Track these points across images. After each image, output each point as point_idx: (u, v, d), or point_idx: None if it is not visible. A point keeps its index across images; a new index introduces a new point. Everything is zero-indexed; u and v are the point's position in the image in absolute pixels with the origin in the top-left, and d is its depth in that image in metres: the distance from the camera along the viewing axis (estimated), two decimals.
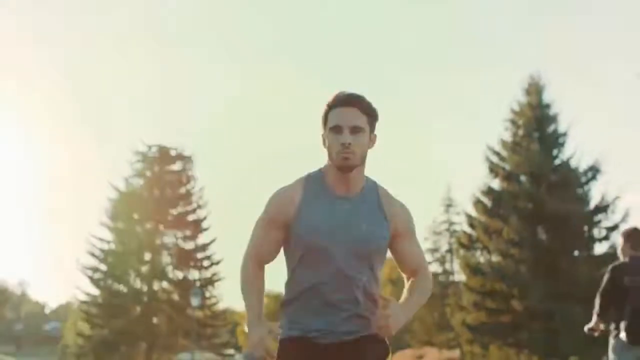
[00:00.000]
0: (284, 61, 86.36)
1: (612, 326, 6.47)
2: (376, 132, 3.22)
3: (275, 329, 3.13)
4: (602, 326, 6.51)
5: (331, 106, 3.15)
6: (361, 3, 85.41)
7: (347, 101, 3.13)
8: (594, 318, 6.57)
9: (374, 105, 3.20)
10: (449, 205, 42.59)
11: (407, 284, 3.33)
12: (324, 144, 3.18)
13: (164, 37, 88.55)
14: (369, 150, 3.20)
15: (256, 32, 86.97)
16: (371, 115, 3.16)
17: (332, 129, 3.11)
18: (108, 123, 79.07)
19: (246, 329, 3.15)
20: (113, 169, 68.29)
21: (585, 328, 6.62)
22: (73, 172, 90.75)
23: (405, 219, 3.24)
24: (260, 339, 3.06)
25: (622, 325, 6.29)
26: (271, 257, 3.26)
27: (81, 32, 79.36)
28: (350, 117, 3.10)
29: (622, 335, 6.30)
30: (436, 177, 72.92)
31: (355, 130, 3.09)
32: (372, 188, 3.22)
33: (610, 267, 6.65)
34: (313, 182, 3.20)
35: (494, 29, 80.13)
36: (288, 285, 3.24)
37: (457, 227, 40.69)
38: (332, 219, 3.11)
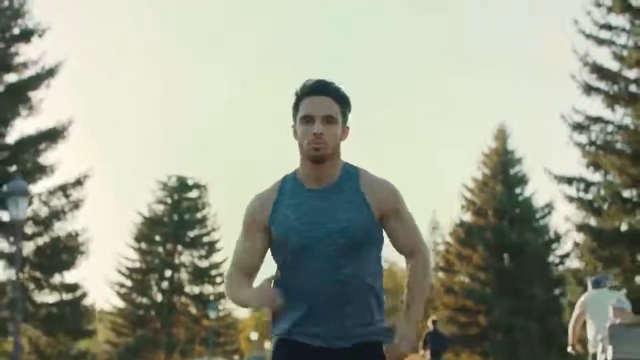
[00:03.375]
0: (283, 66, 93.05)
1: (427, 354, 15.76)
2: (350, 125, 3.18)
3: (265, 280, 3.05)
4: (426, 354, 15.31)
5: (301, 95, 3.11)
6: (361, 5, 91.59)
7: (319, 89, 3.09)
8: (421, 351, 15.38)
9: (346, 93, 3.16)
10: (434, 228, 50.76)
11: (406, 269, 3.24)
12: (295, 135, 3.14)
13: (165, 39, 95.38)
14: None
15: (257, 35, 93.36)
16: (344, 104, 3.12)
17: (303, 119, 3.07)
18: (109, 128, 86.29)
19: (248, 302, 3.08)
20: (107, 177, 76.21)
21: (420, 354, 16.09)
22: None
23: (389, 197, 3.15)
24: (260, 287, 3.01)
25: (428, 353, 15.85)
26: (253, 264, 3.19)
27: (81, 31, 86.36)
28: (322, 107, 3.06)
29: (429, 357, 15.81)
30: (425, 193, 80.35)
31: (327, 119, 3.05)
32: (352, 174, 3.16)
33: (425, 332, 16.35)
34: (288, 181, 3.17)
35: (492, 35, 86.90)
36: (277, 286, 3.17)
37: (441, 248, 48.72)
38: (306, 215, 3.08)
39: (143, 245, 45.26)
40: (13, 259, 23.63)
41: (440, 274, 40.59)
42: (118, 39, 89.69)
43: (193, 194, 46.50)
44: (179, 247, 45.38)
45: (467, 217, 39.38)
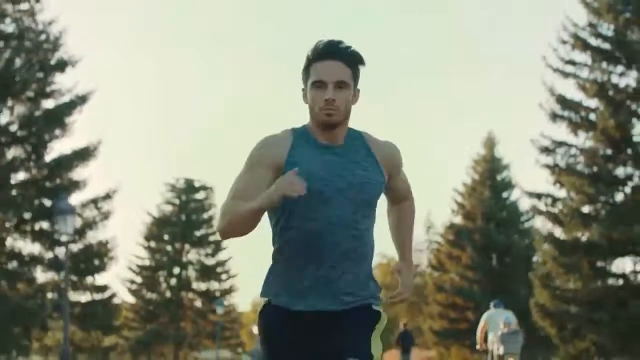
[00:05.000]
0: (285, 66, 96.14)
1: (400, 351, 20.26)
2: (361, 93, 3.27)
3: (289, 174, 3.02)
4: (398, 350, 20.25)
5: (313, 59, 3.19)
6: (361, 5, 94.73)
7: (331, 53, 3.15)
8: (393, 350, 20.32)
9: (358, 52, 3.23)
10: (429, 227, 55.26)
11: (391, 210, 3.51)
12: (305, 99, 3.21)
13: (166, 40, 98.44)
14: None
15: (257, 37, 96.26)
16: (356, 66, 3.21)
17: (315, 84, 3.14)
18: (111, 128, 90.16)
19: (264, 202, 3.01)
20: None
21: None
22: None
23: (396, 158, 3.34)
24: (279, 185, 2.99)
25: (400, 350, 20.56)
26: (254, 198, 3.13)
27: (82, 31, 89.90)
28: (334, 72, 3.14)
29: (399, 354, 20.54)
30: (420, 194, 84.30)
31: (339, 85, 3.13)
32: (357, 135, 3.28)
33: (398, 333, 21.25)
34: (299, 132, 3.24)
35: (492, 37, 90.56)
36: (277, 237, 3.23)
37: (434, 246, 53.18)
38: (325, 164, 3.15)
39: (152, 244, 48.73)
40: (51, 264, 28.20)
41: (432, 273, 45.11)
42: (128, 55, 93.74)
43: (200, 195, 49.96)
44: (187, 246, 48.87)
45: (458, 219, 43.83)
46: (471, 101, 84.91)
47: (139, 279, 48.37)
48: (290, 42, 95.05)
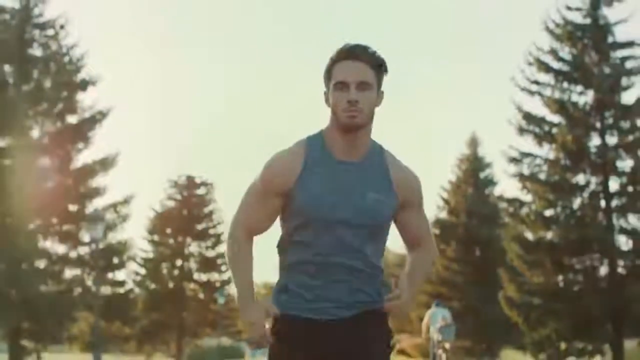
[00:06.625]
0: (285, 65, 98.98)
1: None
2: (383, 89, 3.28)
3: (271, 309, 3.26)
4: None
5: (335, 60, 3.25)
6: (361, 5, 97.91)
7: (354, 54, 3.21)
8: None
9: (382, 57, 3.27)
10: None
11: (409, 256, 3.52)
12: (327, 102, 3.26)
13: (167, 39, 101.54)
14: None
15: (259, 37, 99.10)
16: (379, 69, 3.26)
17: (337, 85, 3.20)
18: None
19: (240, 309, 3.27)
20: None
21: None
22: None
23: (414, 188, 3.40)
24: (256, 321, 3.23)
25: None
26: (264, 227, 3.37)
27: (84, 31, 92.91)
28: (357, 72, 3.19)
29: None
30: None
31: (362, 86, 3.19)
32: (378, 152, 3.33)
33: None
34: (314, 146, 3.29)
35: (491, 24, 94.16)
36: (285, 252, 3.38)
37: None
38: (335, 188, 3.22)
39: (156, 237, 52.58)
40: (76, 262, 32.97)
41: None
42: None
43: (201, 191, 53.71)
44: (188, 239, 52.32)
45: (443, 215, 48.68)
46: (457, 101, 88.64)
47: (142, 271, 51.84)
48: (292, 42, 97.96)
